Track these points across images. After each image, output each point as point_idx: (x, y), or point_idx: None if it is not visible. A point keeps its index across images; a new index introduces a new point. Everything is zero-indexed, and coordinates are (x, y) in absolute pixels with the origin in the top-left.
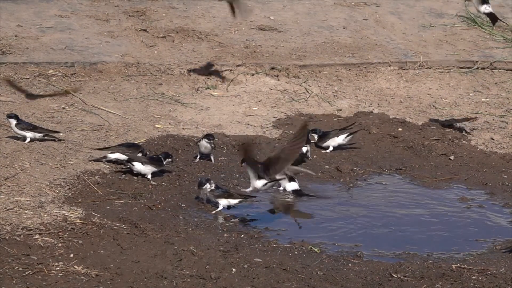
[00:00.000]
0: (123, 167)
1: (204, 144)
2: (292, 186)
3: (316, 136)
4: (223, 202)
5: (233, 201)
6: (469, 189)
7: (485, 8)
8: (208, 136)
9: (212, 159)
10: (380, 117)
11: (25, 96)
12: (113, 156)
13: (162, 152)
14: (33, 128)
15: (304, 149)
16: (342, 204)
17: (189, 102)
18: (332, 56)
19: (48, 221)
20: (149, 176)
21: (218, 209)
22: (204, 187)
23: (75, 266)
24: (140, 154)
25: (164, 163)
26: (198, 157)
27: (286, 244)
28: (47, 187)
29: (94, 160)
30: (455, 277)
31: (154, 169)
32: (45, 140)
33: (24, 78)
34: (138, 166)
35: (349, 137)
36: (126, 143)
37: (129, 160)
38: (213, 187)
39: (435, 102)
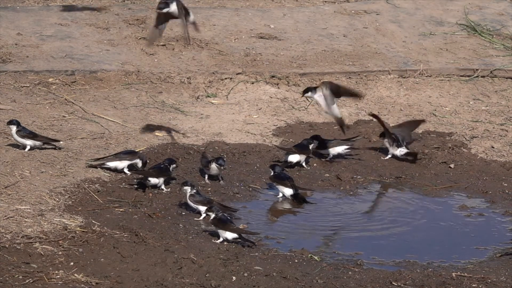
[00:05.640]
0: (135, 180)
1: (215, 168)
2: (290, 191)
3: (317, 142)
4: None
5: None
6: (469, 197)
7: (400, 151)
8: (219, 161)
9: (221, 179)
10: (380, 125)
11: None
12: (112, 164)
13: (166, 159)
14: (34, 136)
15: (295, 159)
16: (342, 212)
17: (189, 110)
18: (332, 64)
19: (48, 229)
20: (163, 186)
21: (202, 217)
22: (185, 188)
23: (75, 274)
24: (139, 161)
25: (170, 169)
26: (207, 177)
27: (286, 252)
28: (47, 195)
29: (92, 166)
30: (455, 285)
31: (164, 178)
32: (45, 148)
33: (24, 86)
34: (153, 181)
35: (349, 150)
36: (123, 150)
37: (145, 177)
38: (193, 192)
39: (435, 110)
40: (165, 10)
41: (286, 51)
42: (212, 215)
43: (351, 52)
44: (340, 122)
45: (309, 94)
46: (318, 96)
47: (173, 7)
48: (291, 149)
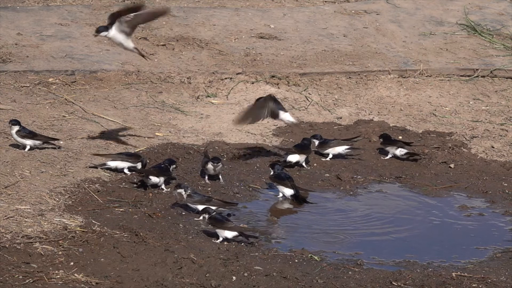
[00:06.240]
0: (136, 180)
1: (211, 168)
2: (291, 191)
3: (316, 142)
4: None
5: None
6: (469, 197)
7: (400, 151)
8: (214, 160)
9: (221, 179)
10: (380, 125)
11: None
12: (113, 164)
13: (166, 159)
14: (33, 135)
15: (294, 159)
16: (342, 212)
17: (189, 110)
18: (332, 64)
19: (48, 229)
20: (163, 186)
21: (201, 217)
22: (179, 191)
23: (75, 274)
24: (139, 164)
25: (170, 169)
26: (207, 177)
27: (286, 252)
28: (47, 195)
29: (93, 167)
30: (455, 285)
31: (165, 178)
32: (45, 148)
33: (24, 86)
34: (154, 179)
35: (349, 150)
36: (126, 152)
37: (146, 175)
38: (190, 193)
39: (435, 110)
40: (103, 34)
41: (286, 51)
42: (207, 216)
43: (351, 52)
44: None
45: (103, 33)
46: (113, 34)
47: (112, 32)
48: (291, 149)
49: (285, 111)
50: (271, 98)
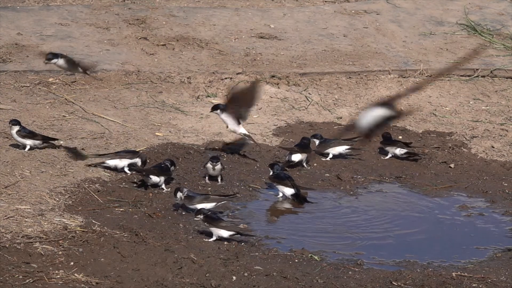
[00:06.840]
0: (136, 179)
1: (210, 167)
2: (291, 191)
3: (317, 142)
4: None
5: (210, 205)
6: (470, 197)
7: (400, 151)
8: (212, 160)
9: (219, 180)
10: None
11: None
12: (112, 162)
13: (166, 159)
14: (33, 135)
15: (297, 158)
16: (342, 212)
17: (189, 110)
18: (333, 64)
19: (48, 229)
20: (163, 186)
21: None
22: (179, 195)
23: (76, 274)
24: (139, 161)
25: (171, 169)
26: (207, 178)
27: (286, 252)
28: (47, 195)
29: (93, 165)
30: (455, 285)
31: (165, 178)
32: (45, 147)
33: (24, 86)
34: (154, 179)
35: (350, 150)
36: (124, 150)
37: (147, 174)
38: (186, 194)
39: (435, 110)
40: (53, 61)
41: (286, 51)
42: (202, 216)
43: (351, 52)
44: (246, 138)
45: (218, 112)
46: (225, 116)
47: (61, 62)
48: (294, 149)
49: (239, 123)
50: (225, 108)
